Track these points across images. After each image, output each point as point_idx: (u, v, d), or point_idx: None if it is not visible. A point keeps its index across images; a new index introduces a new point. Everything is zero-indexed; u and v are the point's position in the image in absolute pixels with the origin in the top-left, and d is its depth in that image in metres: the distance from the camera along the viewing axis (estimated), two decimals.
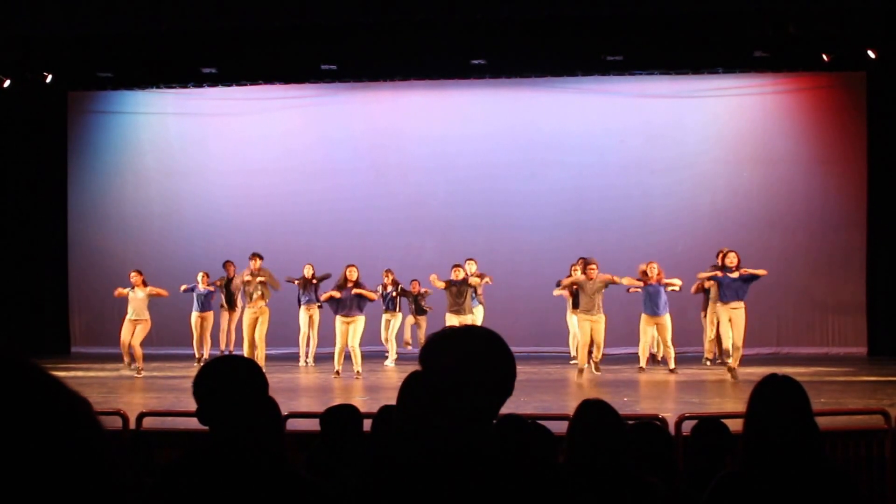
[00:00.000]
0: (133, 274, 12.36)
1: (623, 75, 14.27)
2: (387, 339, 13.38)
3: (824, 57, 13.06)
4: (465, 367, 1.76)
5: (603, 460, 2.83)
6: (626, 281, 11.79)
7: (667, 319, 11.81)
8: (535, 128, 14.87)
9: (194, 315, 13.34)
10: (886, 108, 13.86)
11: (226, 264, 13.79)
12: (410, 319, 13.64)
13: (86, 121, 15.72)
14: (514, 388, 1.81)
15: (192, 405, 2.33)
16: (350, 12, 11.39)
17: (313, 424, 4.81)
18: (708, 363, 12.51)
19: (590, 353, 11.68)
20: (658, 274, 11.81)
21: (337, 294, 11.70)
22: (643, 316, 11.94)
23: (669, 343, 11.87)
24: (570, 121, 14.82)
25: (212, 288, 13.33)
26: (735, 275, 10.93)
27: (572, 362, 12.50)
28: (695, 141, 14.58)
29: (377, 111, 15.17)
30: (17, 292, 14.91)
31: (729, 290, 10.97)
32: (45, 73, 13.86)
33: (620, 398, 9.27)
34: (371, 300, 12.01)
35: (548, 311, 13.88)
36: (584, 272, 11.59)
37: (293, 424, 6.34)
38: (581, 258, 12.21)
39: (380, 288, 13.10)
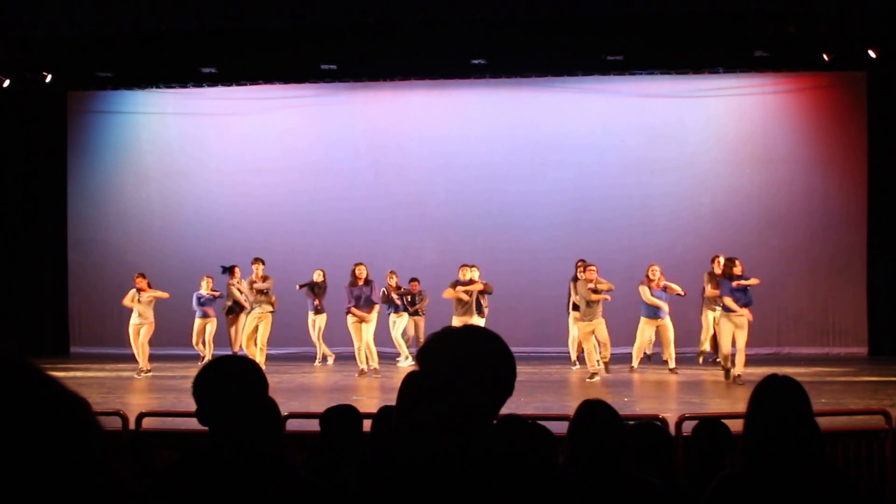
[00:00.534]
0: (138, 279, 12.28)
1: (623, 75, 14.27)
2: (397, 341, 13.35)
3: (825, 57, 13.05)
4: (464, 367, 1.75)
5: (603, 460, 2.83)
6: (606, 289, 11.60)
7: (668, 322, 11.78)
8: (535, 128, 14.86)
9: (198, 321, 13.20)
10: (887, 107, 13.85)
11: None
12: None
13: (85, 120, 15.71)
14: (514, 388, 1.81)
15: (191, 405, 2.33)
16: (350, 12, 11.39)
17: (313, 424, 4.81)
18: (700, 360, 12.50)
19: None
20: (660, 278, 11.78)
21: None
22: (642, 318, 11.90)
23: (672, 345, 11.82)
24: (571, 121, 14.81)
25: (216, 293, 13.27)
26: (748, 282, 10.79)
27: (574, 368, 12.45)
28: (695, 141, 14.58)
29: (377, 111, 15.17)
30: (17, 292, 14.91)
31: (731, 297, 10.80)
32: (45, 73, 13.85)
33: (621, 398, 9.27)
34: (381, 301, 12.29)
35: (548, 312, 13.88)
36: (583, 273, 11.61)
37: (293, 424, 6.34)
38: (580, 260, 12.20)
39: (383, 290, 13.12)
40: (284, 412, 5.43)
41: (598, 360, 11.40)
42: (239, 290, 12.83)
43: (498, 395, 1.78)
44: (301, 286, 13.15)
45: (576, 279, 12.14)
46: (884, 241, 13.94)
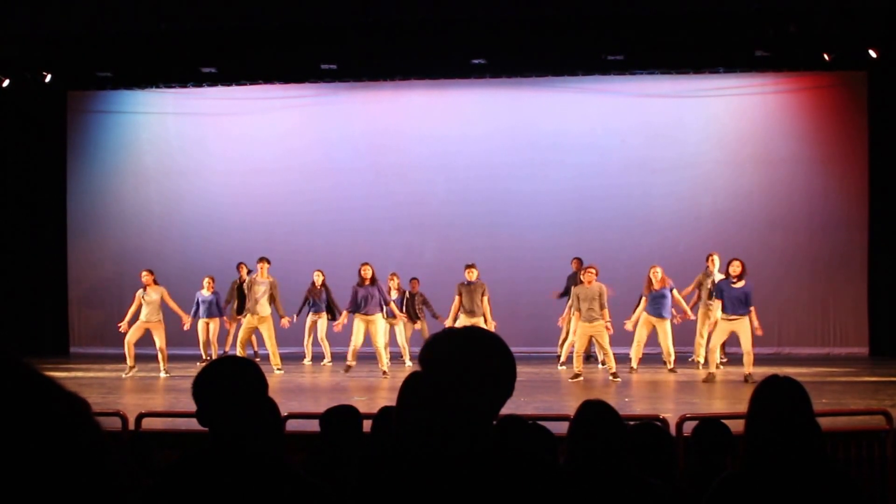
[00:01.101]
0: (144, 273, 12.11)
1: (624, 75, 14.26)
2: (402, 345, 13.31)
3: (825, 56, 13.05)
4: (465, 368, 1.75)
5: (603, 461, 2.83)
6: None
7: (667, 324, 11.76)
8: (535, 128, 14.86)
9: (200, 323, 13.16)
10: (888, 107, 13.84)
11: (239, 266, 13.62)
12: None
13: (85, 120, 15.71)
14: (514, 389, 1.81)
15: (191, 406, 2.33)
16: (350, 12, 11.39)
17: (313, 424, 4.81)
18: (692, 359, 12.48)
19: (588, 357, 11.55)
20: (661, 279, 11.76)
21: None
22: (643, 314, 11.87)
23: (671, 346, 11.79)
24: (571, 121, 14.81)
25: (216, 294, 13.26)
26: (738, 284, 10.72)
27: (560, 367, 12.34)
28: (696, 141, 14.58)
29: (377, 111, 15.17)
30: (17, 292, 14.91)
31: (728, 301, 10.68)
32: (45, 73, 13.86)
33: (621, 398, 9.27)
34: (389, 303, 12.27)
35: (548, 311, 13.86)
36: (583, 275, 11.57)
37: (293, 424, 6.34)
38: (576, 258, 12.16)
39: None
40: (284, 412, 5.43)
41: (602, 364, 11.33)
42: (245, 288, 12.73)
43: (498, 396, 1.78)
44: (299, 310, 13.16)
45: (576, 279, 12.12)
46: (884, 241, 13.93)
